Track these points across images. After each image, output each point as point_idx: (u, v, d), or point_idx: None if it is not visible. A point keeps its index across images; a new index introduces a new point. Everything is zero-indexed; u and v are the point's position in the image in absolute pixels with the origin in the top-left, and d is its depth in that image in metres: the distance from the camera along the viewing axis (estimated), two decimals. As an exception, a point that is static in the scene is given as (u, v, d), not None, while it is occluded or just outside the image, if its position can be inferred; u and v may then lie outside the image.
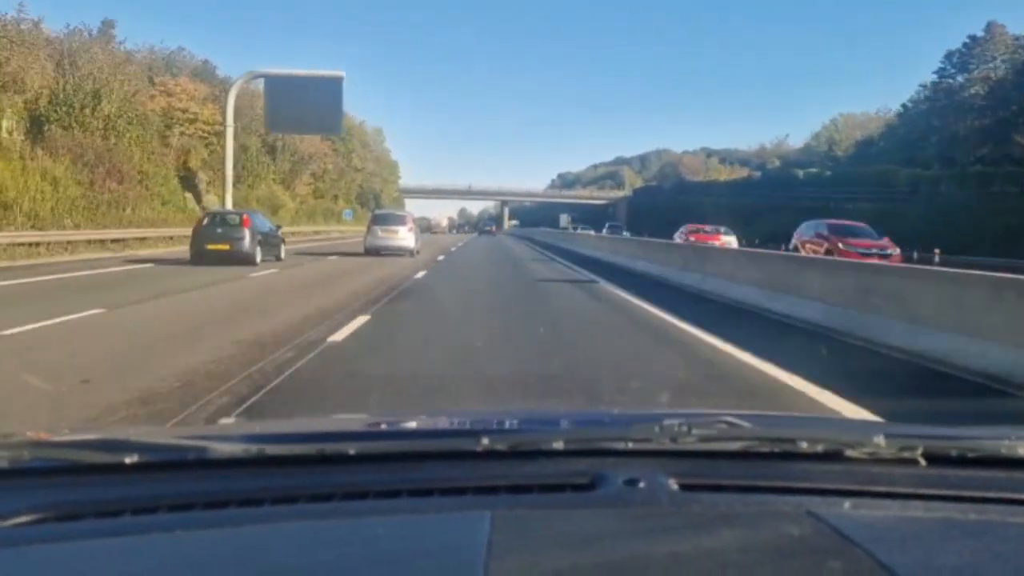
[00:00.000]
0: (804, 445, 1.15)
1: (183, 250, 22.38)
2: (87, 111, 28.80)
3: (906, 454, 1.13)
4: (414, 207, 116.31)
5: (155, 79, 42.22)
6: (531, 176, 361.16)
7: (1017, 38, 50.54)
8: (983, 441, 1.22)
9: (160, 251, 24.14)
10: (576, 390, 5.32)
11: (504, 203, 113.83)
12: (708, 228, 32.83)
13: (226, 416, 4.23)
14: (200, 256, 17.41)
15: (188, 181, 39.05)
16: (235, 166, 41.19)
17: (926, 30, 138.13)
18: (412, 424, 1.57)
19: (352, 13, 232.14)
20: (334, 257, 22.78)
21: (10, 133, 26.54)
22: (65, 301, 9.65)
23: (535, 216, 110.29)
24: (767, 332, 8.42)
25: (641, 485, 1.01)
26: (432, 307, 10.58)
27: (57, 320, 7.95)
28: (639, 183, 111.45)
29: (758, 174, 76.62)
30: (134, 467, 1.06)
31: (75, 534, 0.91)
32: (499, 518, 0.91)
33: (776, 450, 1.16)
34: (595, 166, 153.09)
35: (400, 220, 24.57)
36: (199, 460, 1.08)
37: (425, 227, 66.80)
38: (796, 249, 20.52)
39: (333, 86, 31.31)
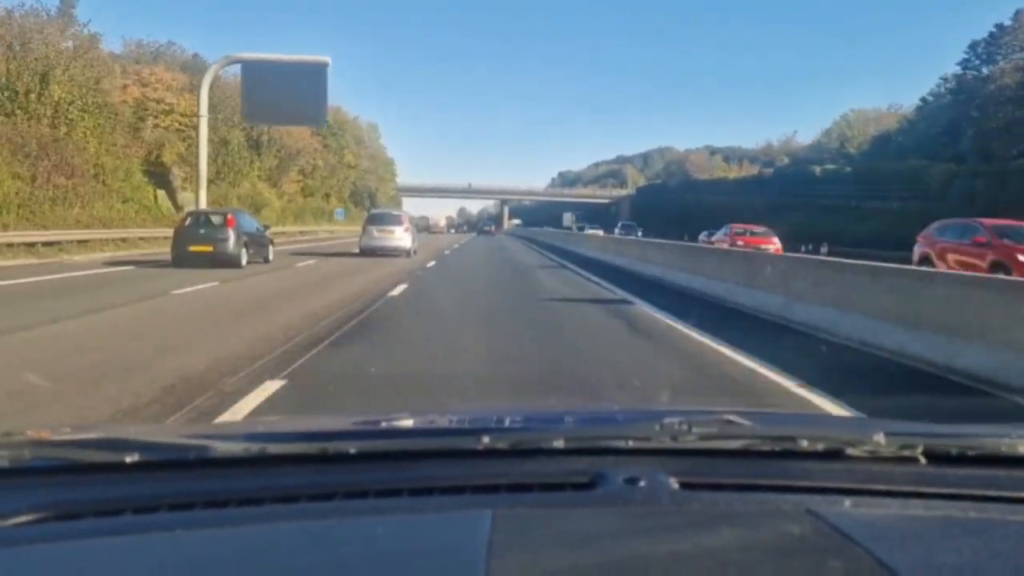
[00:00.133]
0: (804, 443, 1.14)
1: (137, 254, 19.50)
2: (32, 96, 25.49)
3: (906, 452, 1.13)
4: (413, 206, 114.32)
5: (128, 68, 38.98)
6: (531, 175, 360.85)
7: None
8: (983, 439, 1.21)
9: (104, 255, 20.87)
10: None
11: (504, 202, 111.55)
12: (759, 230, 26.77)
13: None
14: (182, 259, 16.34)
15: (161, 177, 35.95)
16: (214, 161, 38.24)
17: (926, 29, 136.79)
18: (412, 423, 1.53)
19: (352, 13, 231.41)
20: (313, 261, 20.01)
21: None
22: None
23: (536, 215, 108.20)
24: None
25: (641, 484, 1.00)
26: (395, 354, 7.40)
27: None
28: (642, 181, 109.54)
29: (769, 171, 74.04)
30: (135, 466, 1.05)
31: (76, 533, 0.90)
32: (499, 517, 0.90)
33: (776, 448, 1.15)
34: (596, 164, 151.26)
35: (396, 220, 23.87)
36: (200, 459, 1.08)
37: (423, 227, 64.41)
38: (925, 261, 14.69)
39: (317, 73, 27.64)
